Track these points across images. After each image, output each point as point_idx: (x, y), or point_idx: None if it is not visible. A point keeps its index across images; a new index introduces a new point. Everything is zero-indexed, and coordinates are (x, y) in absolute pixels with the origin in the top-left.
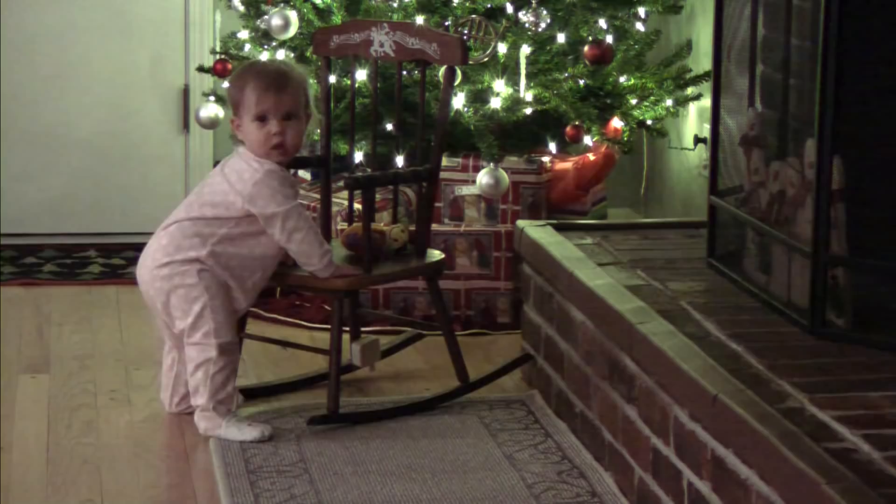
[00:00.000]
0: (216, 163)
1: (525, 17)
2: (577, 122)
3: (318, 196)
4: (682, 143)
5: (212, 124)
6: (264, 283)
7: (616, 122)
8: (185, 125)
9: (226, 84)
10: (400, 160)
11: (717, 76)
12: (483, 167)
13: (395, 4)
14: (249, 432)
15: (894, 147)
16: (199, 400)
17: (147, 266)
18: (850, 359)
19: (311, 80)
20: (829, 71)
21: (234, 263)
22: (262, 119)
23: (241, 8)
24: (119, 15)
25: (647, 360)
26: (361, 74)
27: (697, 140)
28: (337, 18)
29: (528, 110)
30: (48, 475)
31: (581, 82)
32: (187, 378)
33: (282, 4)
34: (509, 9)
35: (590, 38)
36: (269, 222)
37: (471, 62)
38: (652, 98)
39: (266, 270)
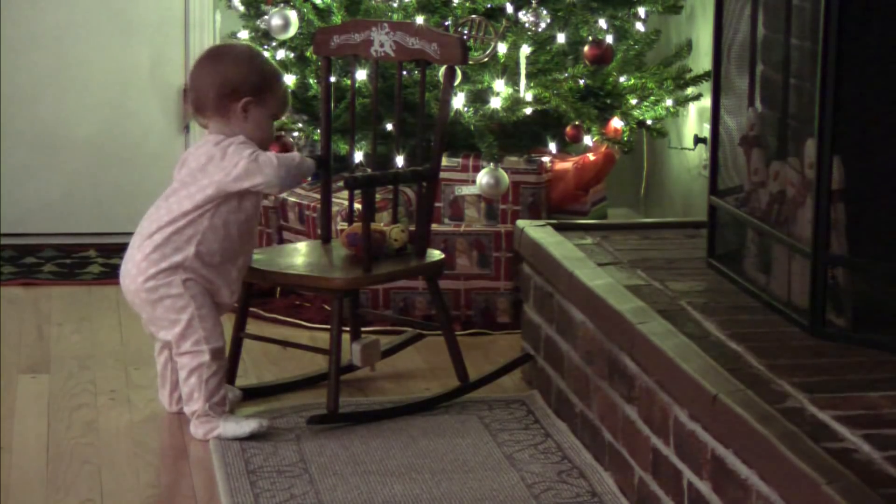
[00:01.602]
0: None
1: (525, 17)
2: (577, 122)
3: (318, 196)
4: (682, 143)
5: None
6: (246, 269)
7: (616, 122)
8: (185, 125)
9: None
10: (400, 160)
11: (717, 76)
12: (483, 167)
13: (395, 4)
14: (248, 425)
15: (894, 147)
16: (195, 405)
17: (132, 275)
18: (850, 359)
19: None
20: (829, 71)
21: (216, 261)
22: (275, 118)
23: (241, 8)
24: (119, 15)
25: (647, 360)
26: (361, 74)
27: (697, 140)
28: (337, 18)
29: (528, 110)
30: (48, 475)
31: (581, 82)
32: (180, 385)
33: (282, 4)
34: (509, 9)
35: (590, 38)
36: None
37: (471, 62)
38: (652, 98)
39: (247, 254)
